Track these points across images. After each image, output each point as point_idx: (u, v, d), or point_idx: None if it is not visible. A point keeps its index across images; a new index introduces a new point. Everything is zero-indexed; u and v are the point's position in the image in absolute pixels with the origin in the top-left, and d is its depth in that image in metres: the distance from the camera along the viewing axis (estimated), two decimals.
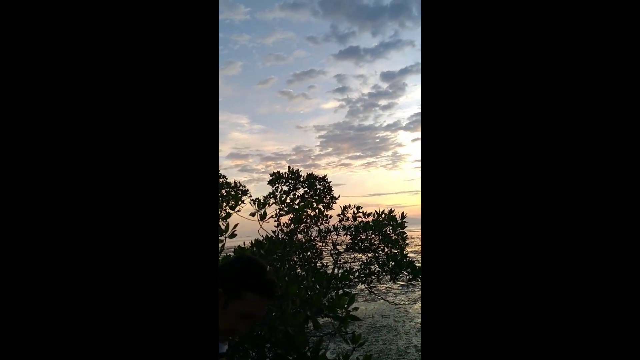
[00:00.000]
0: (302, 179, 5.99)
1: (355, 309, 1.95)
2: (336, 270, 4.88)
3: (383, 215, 5.01)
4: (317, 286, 2.34)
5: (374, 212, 5.14)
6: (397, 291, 8.23)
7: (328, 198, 6.04)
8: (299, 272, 4.58)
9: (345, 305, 1.90)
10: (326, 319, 2.03)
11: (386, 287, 8.66)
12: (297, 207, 4.54)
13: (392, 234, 4.98)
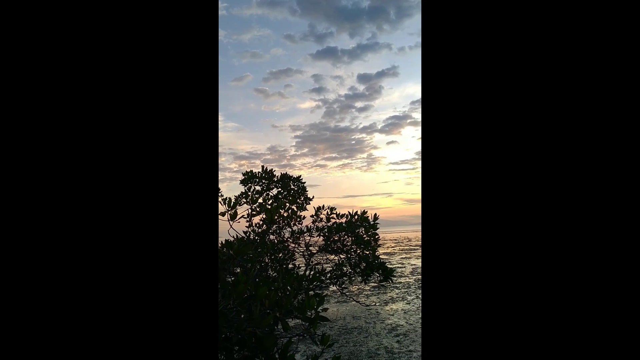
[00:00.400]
0: (275, 179, 5.93)
1: (325, 309, 1.93)
2: (308, 272, 4.87)
3: (356, 217, 5.04)
4: (288, 287, 2.31)
5: (347, 213, 5.16)
6: (369, 292, 8.30)
7: (302, 199, 6.01)
8: (270, 274, 4.53)
9: (315, 306, 1.88)
10: (298, 320, 2.00)
11: (358, 289, 8.72)
12: (269, 207, 4.49)
13: (364, 235, 5.02)
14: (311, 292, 2.70)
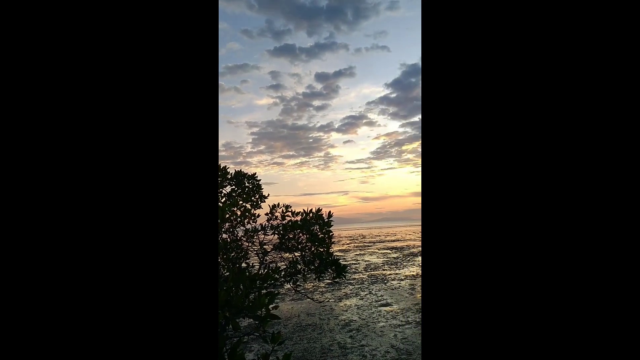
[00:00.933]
0: (229, 176, 5.79)
1: (275, 307, 1.92)
2: (262, 270, 4.81)
3: (311, 215, 5.06)
4: (241, 287, 2.26)
5: (302, 210, 5.17)
6: (324, 289, 8.37)
7: (257, 197, 5.92)
8: (223, 273, 4.42)
9: (266, 305, 1.86)
10: (251, 320, 1.96)
11: (313, 286, 8.77)
12: (221, 204, 4.38)
13: (319, 233, 5.05)
14: (264, 291, 2.66)
